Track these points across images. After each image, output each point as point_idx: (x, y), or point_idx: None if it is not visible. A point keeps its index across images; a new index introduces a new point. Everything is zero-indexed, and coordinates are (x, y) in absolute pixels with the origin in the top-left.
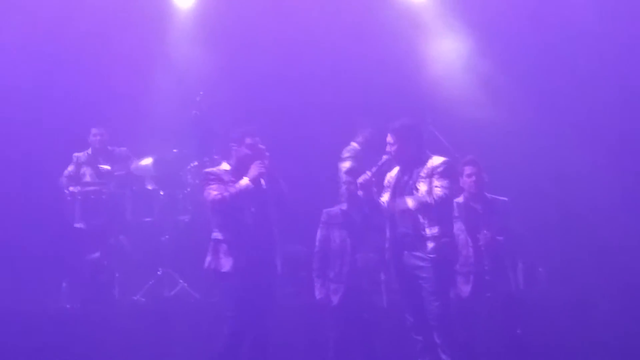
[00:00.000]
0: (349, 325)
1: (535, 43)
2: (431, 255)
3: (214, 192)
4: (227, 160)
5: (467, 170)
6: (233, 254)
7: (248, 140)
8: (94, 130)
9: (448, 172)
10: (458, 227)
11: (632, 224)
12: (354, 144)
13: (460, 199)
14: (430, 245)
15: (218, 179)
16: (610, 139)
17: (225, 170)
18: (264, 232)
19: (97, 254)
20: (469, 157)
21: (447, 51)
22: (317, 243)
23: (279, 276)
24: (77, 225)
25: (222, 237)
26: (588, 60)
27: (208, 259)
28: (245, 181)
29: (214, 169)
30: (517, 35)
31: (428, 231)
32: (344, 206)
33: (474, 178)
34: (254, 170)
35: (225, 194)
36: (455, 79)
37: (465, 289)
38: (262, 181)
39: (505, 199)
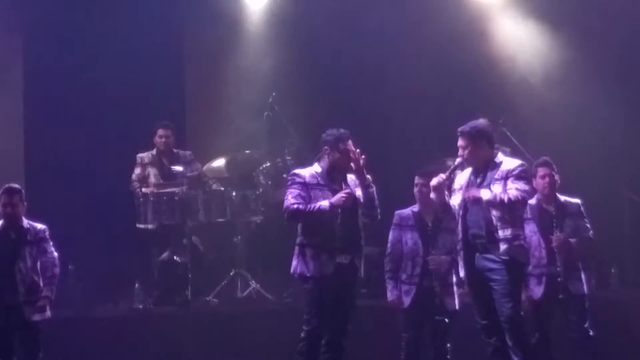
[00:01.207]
0: (420, 327)
1: (611, 38)
2: (503, 257)
3: (292, 199)
4: (319, 162)
5: (540, 172)
6: (320, 258)
7: (342, 146)
8: (160, 132)
9: (524, 175)
10: (531, 228)
11: None
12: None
13: (533, 201)
14: (502, 247)
15: (303, 183)
16: None
17: (315, 172)
18: (350, 236)
19: (166, 254)
20: (543, 159)
21: (516, 50)
22: (388, 245)
23: (360, 280)
24: (150, 226)
25: (307, 242)
26: None
27: (294, 263)
28: (325, 204)
29: (303, 171)
30: (588, 31)
31: (501, 233)
32: (416, 208)
33: (547, 180)
34: (339, 199)
35: (302, 207)
36: (525, 78)
37: (537, 291)
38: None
39: (579, 200)
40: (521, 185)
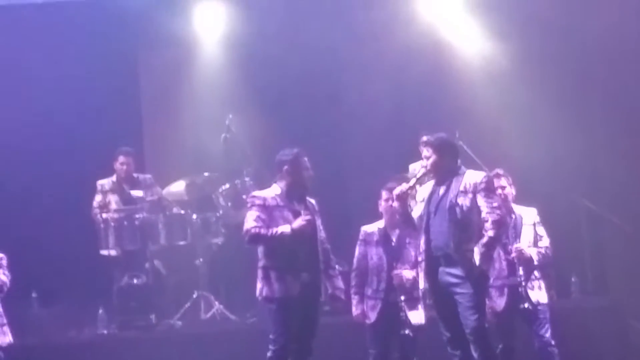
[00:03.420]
0: (387, 342)
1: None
2: (467, 270)
3: (252, 222)
4: (278, 182)
5: (496, 183)
6: (285, 280)
7: (300, 164)
8: (121, 159)
9: (492, 187)
10: None
11: None
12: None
13: None
14: (466, 260)
15: (262, 205)
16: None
17: (275, 194)
18: (311, 256)
19: (125, 280)
20: (495, 172)
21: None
22: (354, 260)
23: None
24: (112, 252)
25: (270, 264)
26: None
27: (259, 286)
28: (287, 230)
29: (262, 193)
30: (537, 41)
31: (464, 246)
32: (382, 224)
33: (499, 191)
34: (300, 225)
35: (262, 231)
36: (479, 92)
37: (500, 302)
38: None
39: (534, 210)
40: (495, 201)
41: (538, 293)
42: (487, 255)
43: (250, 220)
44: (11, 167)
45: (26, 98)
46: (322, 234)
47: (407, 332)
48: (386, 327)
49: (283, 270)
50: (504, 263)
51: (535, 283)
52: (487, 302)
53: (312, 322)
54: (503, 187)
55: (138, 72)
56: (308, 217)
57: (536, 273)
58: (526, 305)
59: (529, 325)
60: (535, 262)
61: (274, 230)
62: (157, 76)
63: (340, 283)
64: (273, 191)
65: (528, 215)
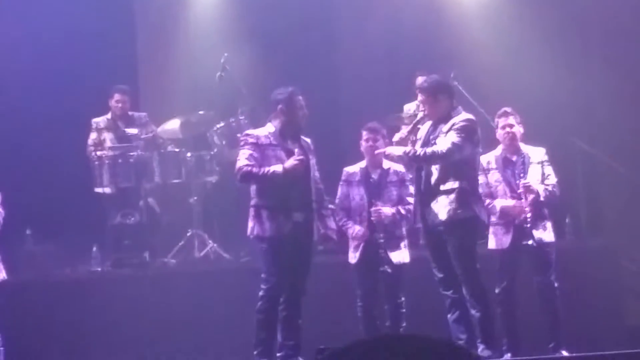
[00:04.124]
0: (372, 281)
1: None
2: (456, 211)
3: (244, 161)
4: (272, 121)
5: (500, 123)
6: (277, 219)
7: (295, 103)
8: (116, 97)
9: (462, 128)
10: (495, 178)
11: None
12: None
13: (497, 152)
14: (450, 198)
15: (255, 143)
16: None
17: (269, 132)
18: (303, 195)
19: (118, 218)
20: (502, 110)
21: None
22: (337, 201)
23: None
24: (107, 189)
25: (262, 203)
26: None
27: (251, 224)
28: (278, 169)
29: (256, 131)
30: None
31: (446, 186)
32: (363, 164)
33: (507, 130)
34: (292, 165)
35: (254, 170)
36: (475, 33)
37: (505, 240)
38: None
39: (543, 149)
40: (452, 137)
41: (544, 232)
42: (417, 156)
43: (243, 159)
44: (5, 106)
45: (21, 37)
46: (316, 173)
47: (386, 268)
48: (369, 265)
49: (275, 210)
50: (510, 200)
51: (542, 222)
52: (493, 239)
53: (305, 262)
54: (511, 125)
55: (134, 11)
56: (301, 157)
57: (543, 211)
58: (530, 242)
59: (533, 265)
60: (542, 198)
61: (266, 169)
62: (153, 15)
63: (332, 223)
64: (267, 130)
65: (536, 155)
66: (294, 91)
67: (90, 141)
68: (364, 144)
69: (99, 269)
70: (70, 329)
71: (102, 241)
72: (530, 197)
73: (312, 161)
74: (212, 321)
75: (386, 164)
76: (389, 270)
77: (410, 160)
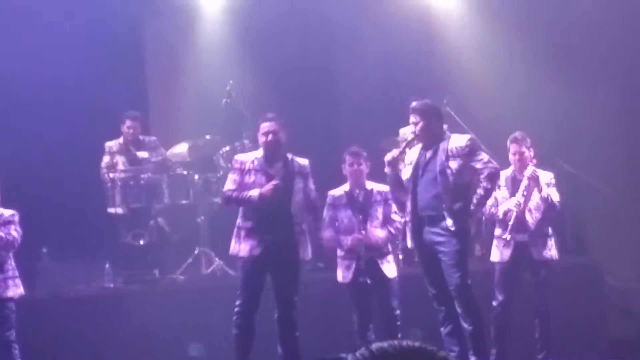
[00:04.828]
0: (367, 299)
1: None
2: (451, 229)
3: (227, 185)
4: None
5: (511, 149)
6: (251, 240)
7: (260, 128)
8: (128, 122)
9: (477, 148)
10: (503, 195)
11: None
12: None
13: (508, 172)
14: (450, 219)
15: (239, 168)
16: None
17: (255, 158)
18: (281, 216)
19: (129, 237)
20: (512, 136)
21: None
22: (323, 225)
23: (304, 260)
24: (119, 210)
25: (242, 224)
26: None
27: (232, 243)
28: (254, 194)
29: (244, 156)
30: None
31: (456, 206)
32: (347, 187)
33: (517, 157)
34: (267, 190)
35: (234, 194)
36: (468, 60)
37: (505, 253)
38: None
39: (551, 174)
40: (484, 157)
41: (544, 250)
42: (481, 203)
43: (228, 183)
44: (27, 132)
45: (35, 64)
46: (311, 193)
47: (384, 289)
48: (363, 284)
49: (250, 231)
50: (513, 217)
51: (543, 240)
52: (496, 252)
53: (288, 280)
54: (522, 153)
55: (144, 38)
56: (275, 183)
57: (545, 229)
58: (531, 259)
59: (532, 281)
60: (545, 217)
61: (244, 193)
62: (162, 43)
63: (327, 233)
64: (254, 155)
65: (543, 177)
66: (262, 118)
67: (103, 164)
68: (348, 168)
69: (112, 285)
70: (83, 342)
71: (114, 259)
72: (534, 181)
73: (300, 185)
74: (218, 334)
75: (369, 185)
76: (368, 281)
77: (488, 193)
